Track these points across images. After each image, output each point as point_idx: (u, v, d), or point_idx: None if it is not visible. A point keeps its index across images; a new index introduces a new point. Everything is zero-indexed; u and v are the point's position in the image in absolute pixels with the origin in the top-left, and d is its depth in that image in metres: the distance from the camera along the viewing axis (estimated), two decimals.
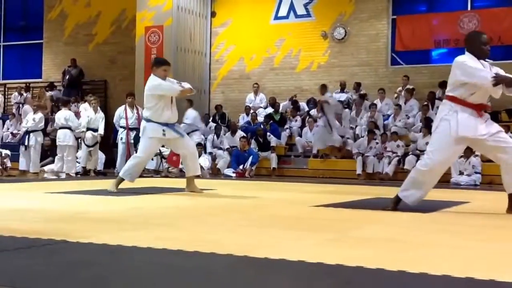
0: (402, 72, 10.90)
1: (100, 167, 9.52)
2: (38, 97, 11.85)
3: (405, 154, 9.43)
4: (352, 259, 2.13)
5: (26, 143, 8.63)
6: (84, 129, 8.79)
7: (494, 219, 3.89)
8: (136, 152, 9.23)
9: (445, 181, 8.78)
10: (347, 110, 10.73)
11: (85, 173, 8.95)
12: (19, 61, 14.60)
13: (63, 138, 8.48)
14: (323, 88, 10.18)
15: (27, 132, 8.65)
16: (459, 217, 3.86)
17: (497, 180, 8.62)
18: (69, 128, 8.57)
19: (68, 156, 8.48)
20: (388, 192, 5.95)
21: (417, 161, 9.31)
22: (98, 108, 9.09)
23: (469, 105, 3.75)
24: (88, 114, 8.94)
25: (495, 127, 3.87)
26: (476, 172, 8.56)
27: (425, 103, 10.28)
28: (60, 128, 8.59)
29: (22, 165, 8.92)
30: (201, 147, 10.11)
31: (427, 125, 9.44)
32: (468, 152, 8.61)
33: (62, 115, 8.63)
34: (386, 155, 9.53)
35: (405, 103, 10.46)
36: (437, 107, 10.26)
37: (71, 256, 2.20)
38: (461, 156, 8.93)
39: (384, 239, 2.77)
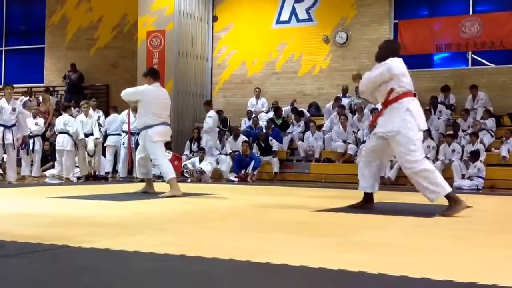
0: None
1: (101, 172, 9.51)
2: (42, 102, 11.88)
3: None
4: (354, 264, 2.13)
5: (31, 148, 8.65)
6: (83, 137, 8.74)
7: (497, 224, 3.88)
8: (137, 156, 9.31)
9: None
10: (349, 114, 10.74)
11: (87, 178, 8.95)
12: (21, 66, 14.64)
13: (62, 142, 8.50)
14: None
15: (31, 137, 8.66)
16: (461, 222, 3.84)
17: (499, 184, 8.65)
18: (68, 133, 8.57)
19: (66, 161, 8.48)
20: (390, 196, 5.94)
21: None
22: (90, 112, 9.05)
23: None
24: (80, 118, 8.91)
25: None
26: (479, 177, 8.54)
27: (427, 107, 10.27)
28: (60, 132, 8.60)
29: (24, 170, 8.93)
30: (203, 151, 10.11)
31: (426, 130, 9.42)
32: (475, 157, 8.59)
33: (62, 120, 8.66)
34: (389, 159, 9.50)
35: None
36: (439, 111, 10.31)
37: (73, 261, 2.19)
38: (465, 160, 8.90)
39: (386, 244, 2.76)
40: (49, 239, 2.59)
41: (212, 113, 10.11)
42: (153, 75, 5.71)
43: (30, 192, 6.12)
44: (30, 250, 2.37)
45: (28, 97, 12.46)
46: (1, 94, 8.56)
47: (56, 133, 8.85)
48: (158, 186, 5.96)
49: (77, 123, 8.70)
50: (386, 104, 4.13)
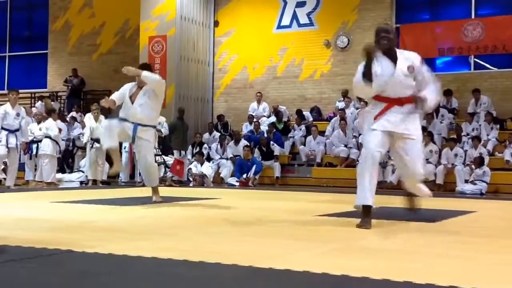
0: None
1: (104, 176, 9.54)
2: (44, 107, 11.93)
3: None
4: (357, 269, 2.12)
5: (34, 153, 8.70)
6: (88, 140, 8.79)
7: (501, 229, 3.87)
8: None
9: (450, 190, 8.75)
10: (350, 118, 10.74)
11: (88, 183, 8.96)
12: (25, 71, 14.71)
13: (43, 147, 8.58)
14: None
15: (34, 142, 8.71)
16: (465, 227, 3.83)
17: (503, 189, 8.61)
18: (50, 137, 8.65)
19: (46, 165, 8.53)
20: (391, 201, 5.93)
21: None
22: (101, 117, 9.10)
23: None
24: (91, 124, 8.96)
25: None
26: (482, 181, 8.50)
27: (430, 111, 10.27)
28: (45, 137, 8.71)
29: (28, 175, 8.98)
30: (202, 155, 10.12)
31: (428, 134, 9.41)
32: (479, 163, 8.55)
33: (44, 125, 8.74)
34: (390, 163, 9.50)
35: None
36: (442, 115, 10.30)
37: (77, 266, 2.20)
38: (468, 165, 8.86)
39: (390, 250, 2.76)
40: (53, 244, 2.60)
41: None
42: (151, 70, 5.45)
43: (33, 196, 6.13)
44: (34, 254, 2.38)
45: (39, 102, 12.53)
46: (6, 99, 8.60)
47: (42, 138, 8.94)
48: (162, 191, 5.95)
49: (87, 128, 8.78)
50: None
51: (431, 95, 3.56)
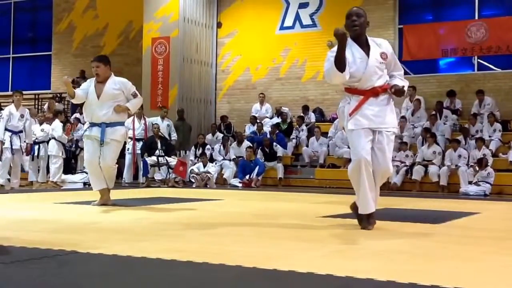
0: (410, 82, 10.85)
1: None
2: (48, 108, 11.97)
3: (413, 164, 9.38)
4: (362, 271, 2.12)
5: (36, 154, 8.76)
6: None
7: (505, 231, 3.85)
8: (142, 162, 9.38)
9: (454, 191, 8.73)
10: None
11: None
12: (28, 73, 14.77)
13: (50, 148, 8.67)
14: None
15: (36, 143, 8.77)
16: (469, 229, 3.82)
17: (507, 190, 8.58)
18: (54, 139, 8.73)
19: (54, 165, 8.61)
20: (395, 202, 5.92)
21: (425, 171, 9.28)
22: None
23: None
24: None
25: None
26: (487, 182, 8.46)
27: (433, 112, 10.24)
28: (51, 138, 8.78)
29: (31, 176, 9.02)
30: (205, 156, 10.12)
31: (432, 135, 9.38)
32: (482, 164, 8.52)
33: (50, 126, 8.80)
34: (394, 165, 9.48)
35: (412, 114, 10.42)
36: (445, 117, 10.28)
37: (82, 267, 2.21)
38: (472, 166, 8.83)
39: (394, 251, 2.75)
40: (57, 245, 2.61)
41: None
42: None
43: (37, 198, 6.15)
44: (39, 256, 2.38)
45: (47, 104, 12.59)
46: (10, 101, 8.67)
47: (43, 139, 9.00)
48: (164, 192, 5.96)
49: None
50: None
51: (403, 82, 3.49)
